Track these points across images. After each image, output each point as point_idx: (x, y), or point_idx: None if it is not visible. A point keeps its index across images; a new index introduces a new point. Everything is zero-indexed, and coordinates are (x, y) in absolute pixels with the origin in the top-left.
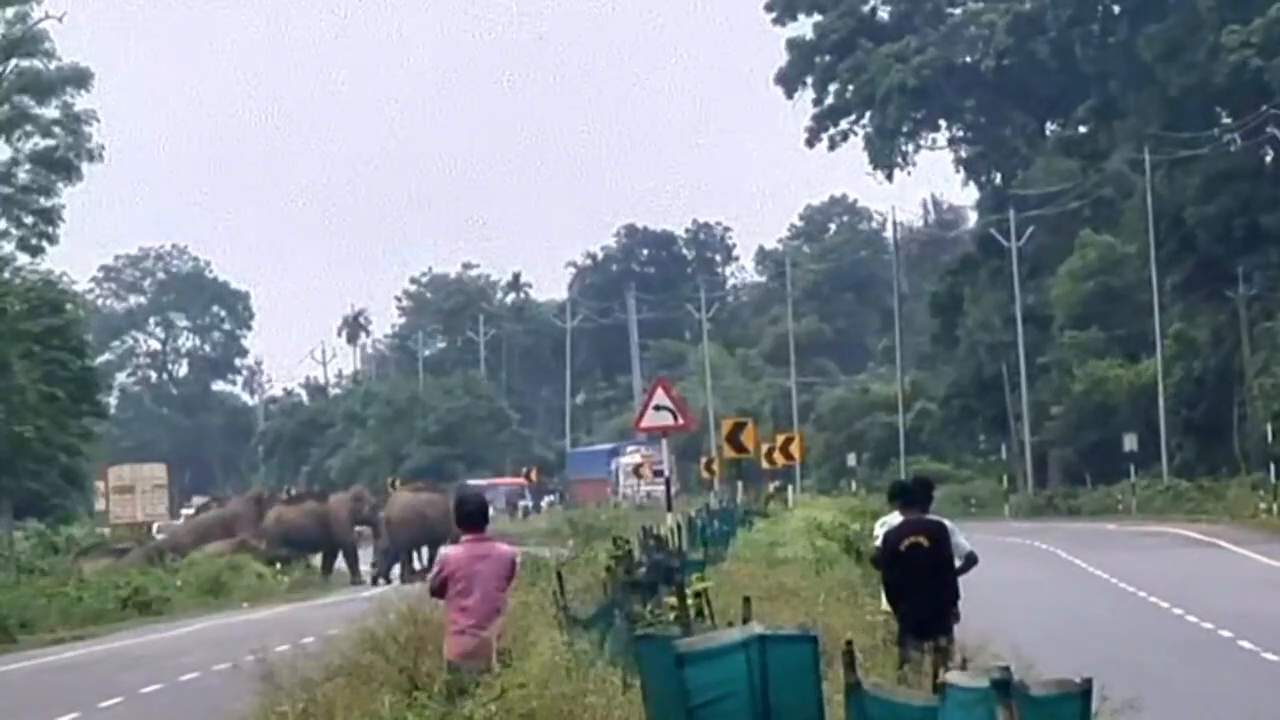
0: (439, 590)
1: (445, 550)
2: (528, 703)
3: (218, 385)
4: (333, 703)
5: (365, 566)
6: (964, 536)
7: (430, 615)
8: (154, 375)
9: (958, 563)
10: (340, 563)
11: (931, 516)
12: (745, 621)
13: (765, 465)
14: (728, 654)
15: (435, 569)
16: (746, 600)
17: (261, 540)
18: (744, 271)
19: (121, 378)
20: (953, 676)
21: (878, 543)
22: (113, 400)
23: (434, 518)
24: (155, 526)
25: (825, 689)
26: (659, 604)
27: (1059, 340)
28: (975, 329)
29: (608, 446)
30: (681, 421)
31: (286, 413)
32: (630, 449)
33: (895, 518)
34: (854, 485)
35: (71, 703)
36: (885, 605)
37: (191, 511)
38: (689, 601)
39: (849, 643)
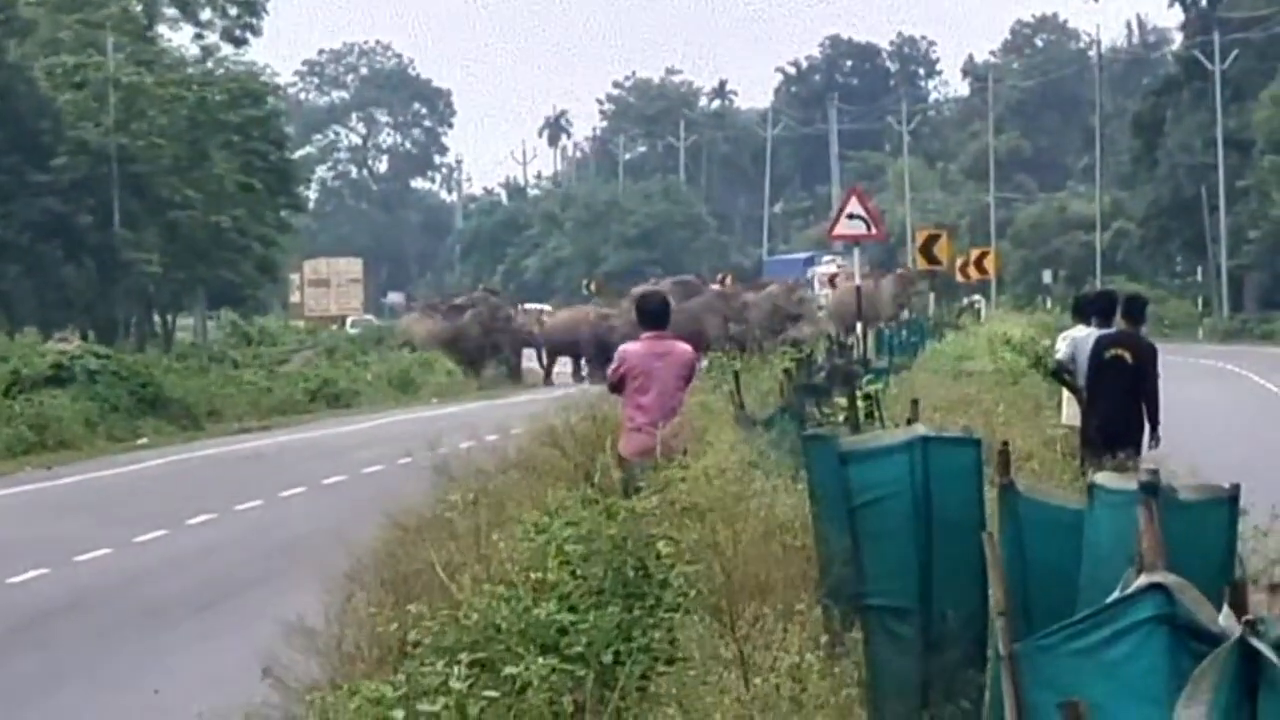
0: (617, 386)
1: (624, 346)
2: (691, 497)
3: (417, 183)
4: (504, 494)
5: None
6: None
7: (610, 413)
8: (354, 171)
9: None
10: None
11: (1142, 336)
12: (909, 423)
13: (959, 279)
14: (890, 454)
15: (614, 365)
16: (914, 403)
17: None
18: (946, 85)
19: (321, 172)
20: (1101, 478)
21: (1059, 356)
22: (312, 194)
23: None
24: (349, 320)
25: (988, 493)
26: (831, 406)
27: (1259, 165)
28: (1175, 150)
29: (804, 255)
30: (874, 231)
31: (485, 212)
32: (826, 259)
33: (1079, 331)
34: (1049, 302)
35: (254, 491)
36: (1065, 420)
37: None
38: (859, 404)
39: (1004, 444)
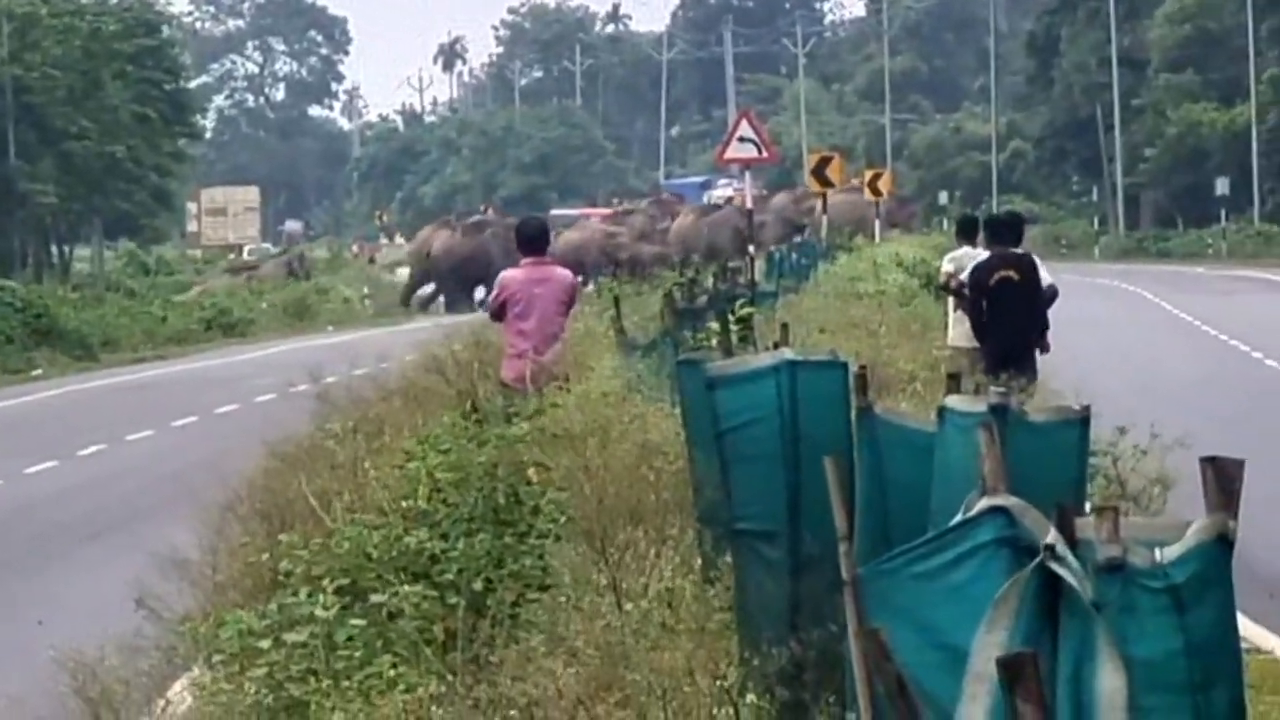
0: (498, 314)
1: (504, 273)
2: (564, 423)
3: (314, 110)
4: (383, 421)
5: None
6: (1046, 270)
7: (494, 340)
8: (251, 99)
9: None
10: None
11: (1021, 251)
12: (776, 347)
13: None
14: (757, 379)
15: (494, 292)
16: (784, 326)
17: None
18: (842, 8)
19: (219, 100)
20: (952, 400)
21: (949, 269)
22: (208, 123)
23: None
24: (246, 249)
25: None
26: (707, 331)
27: (1154, 83)
28: (1071, 70)
29: (700, 179)
30: (765, 154)
31: (382, 139)
32: (722, 182)
33: (962, 252)
34: (945, 223)
35: (147, 421)
36: (950, 341)
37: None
38: (733, 329)
39: (863, 367)
